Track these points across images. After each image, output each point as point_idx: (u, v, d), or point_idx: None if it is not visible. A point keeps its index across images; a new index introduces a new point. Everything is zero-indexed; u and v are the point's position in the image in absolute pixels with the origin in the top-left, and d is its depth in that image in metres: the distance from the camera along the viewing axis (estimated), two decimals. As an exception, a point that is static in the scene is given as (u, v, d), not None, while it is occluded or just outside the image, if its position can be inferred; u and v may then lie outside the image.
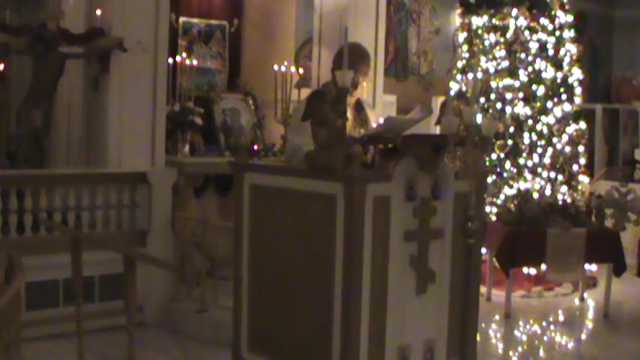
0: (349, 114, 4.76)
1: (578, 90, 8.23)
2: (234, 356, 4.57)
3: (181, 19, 8.00)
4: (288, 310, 4.22)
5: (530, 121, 7.94)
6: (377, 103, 7.88)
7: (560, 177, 7.97)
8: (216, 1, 8.34)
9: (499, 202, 7.83)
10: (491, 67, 8.09)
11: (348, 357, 3.88)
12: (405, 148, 4.01)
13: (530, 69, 7.99)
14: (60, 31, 6.64)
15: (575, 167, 8.12)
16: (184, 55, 7.57)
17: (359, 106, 4.90)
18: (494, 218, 7.65)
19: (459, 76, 8.41)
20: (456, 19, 8.97)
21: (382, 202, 3.93)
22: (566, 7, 8.26)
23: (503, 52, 8.07)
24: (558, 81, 8.05)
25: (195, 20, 8.15)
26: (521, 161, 7.91)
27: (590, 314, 7.54)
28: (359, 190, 3.82)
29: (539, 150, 7.91)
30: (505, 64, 8.05)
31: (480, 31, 8.23)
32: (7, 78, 7.25)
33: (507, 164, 7.94)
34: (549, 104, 7.99)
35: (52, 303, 6.02)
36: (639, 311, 7.71)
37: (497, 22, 8.16)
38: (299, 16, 8.88)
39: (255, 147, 7.45)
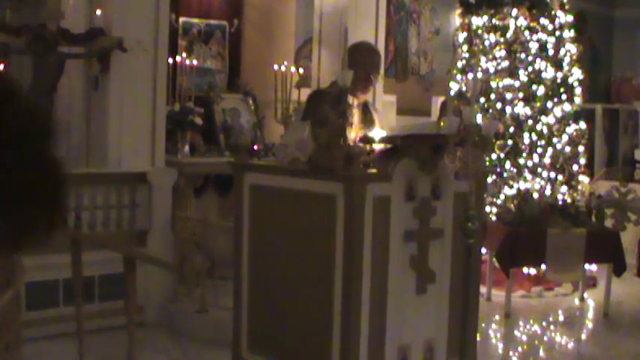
0: (357, 114, 4.77)
1: (578, 90, 8.23)
2: (234, 356, 4.57)
3: (181, 19, 8.00)
4: (288, 310, 4.22)
5: (530, 121, 7.94)
6: (377, 103, 7.87)
7: (560, 177, 7.97)
8: (216, 1, 8.34)
9: (499, 202, 7.83)
10: (491, 67, 8.09)
11: (348, 357, 3.88)
12: (405, 148, 4.01)
13: (530, 69, 7.99)
14: (60, 31, 6.64)
15: (575, 167, 8.12)
16: (184, 55, 7.57)
17: (365, 108, 4.90)
18: (494, 218, 7.65)
19: (459, 76, 8.41)
20: (456, 19, 8.97)
21: (382, 202, 3.93)
22: (566, 7, 8.26)
23: (503, 52, 8.07)
24: (558, 81, 8.05)
25: (195, 20, 8.15)
26: (521, 161, 7.91)
27: (590, 314, 7.54)
28: (359, 190, 3.82)
29: (539, 150, 7.91)
30: (505, 64, 8.05)
31: (480, 31, 8.23)
32: (7, 78, 7.25)
33: (507, 164, 7.94)
34: (549, 104, 7.99)
35: (52, 303, 6.01)
36: (639, 311, 7.71)
37: (497, 22, 8.16)
38: (299, 16, 8.88)
39: (255, 147, 7.44)
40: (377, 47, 4.96)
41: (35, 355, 5.31)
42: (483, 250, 6.48)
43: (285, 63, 7.63)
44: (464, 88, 8.23)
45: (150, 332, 6.14)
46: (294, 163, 4.16)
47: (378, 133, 4.55)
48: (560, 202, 7.68)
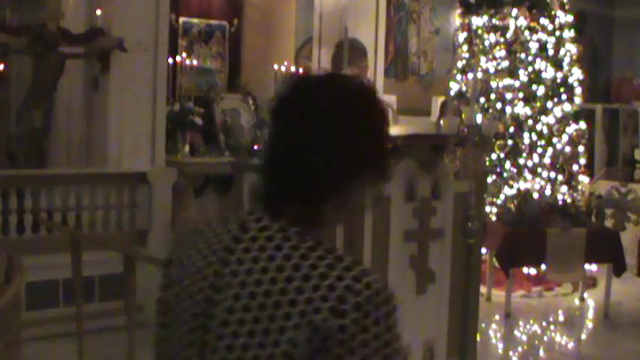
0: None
1: (578, 90, 8.23)
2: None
3: (181, 19, 8.01)
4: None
5: (530, 121, 7.94)
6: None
7: (560, 177, 7.96)
8: (216, 1, 8.35)
9: (499, 202, 7.83)
10: (491, 67, 8.09)
11: (348, 357, 3.87)
12: (405, 148, 4.01)
13: (530, 69, 7.99)
14: (60, 31, 6.64)
15: (575, 167, 8.12)
16: (184, 55, 7.57)
17: None
18: (494, 218, 7.64)
19: (459, 76, 8.41)
20: (456, 19, 8.97)
21: (382, 202, 3.92)
22: (566, 7, 8.26)
23: (503, 52, 8.07)
24: (558, 81, 8.05)
25: (195, 20, 8.15)
26: (521, 161, 7.91)
27: (590, 314, 7.54)
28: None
29: (539, 150, 7.91)
30: (505, 64, 8.05)
31: (479, 31, 8.23)
32: (7, 78, 7.25)
33: (507, 164, 7.94)
34: (549, 104, 7.99)
35: (52, 303, 6.01)
36: (639, 311, 7.71)
37: (497, 22, 8.16)
38: (299, 16, 8.88)
39: (255, 147, 7.44)
40: (360, 42, 4.90)
41: (35, 355, 5.30)
42: (483, 250, 6.49)
43: (285, 63, 7.64)
44: (464, 88, 8.23)
45: (150, 332, 6.13)
46: None
47: None
48: (560, 202, 7.68)
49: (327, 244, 1.42)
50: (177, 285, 1.48)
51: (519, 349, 6.46)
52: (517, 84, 7.98)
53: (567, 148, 8.04)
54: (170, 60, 6.95)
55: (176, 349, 1.47)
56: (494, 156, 7.88)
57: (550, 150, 7.94)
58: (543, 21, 8.06)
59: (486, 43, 8.16)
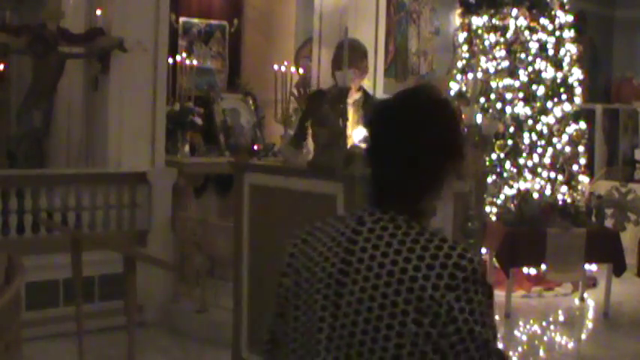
0: (351, 111, 4.75)
1: (578, 90, 8.22)
2: (234, 356, 4.57)
3: (181, 19, 8.01)
4: (288, 310, 4.21)
5: (530, 121, 7.94)
6: (377, 103, 7.86)
7: (560, 177, 7.96)
8: (216, 1, 8.35)
9: (499, 202, 7.83)
10: (491, 67, 8.09)
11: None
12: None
13: (530, 69, 7.99)
14: (60, 31, 6.64)
15: (575, 167, 8.12)
16: (184, 55, 7.57)
17: (367, 105, 4.86)
18: (494, 218, 7.64)
19: (459, 76, 8.40)
20: (456, 19, 8.97)
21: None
22: (566, 7, 8.26)
23: (503, 52, 8.07)
24: (558, 81, 8.05)
25: (195, 20, 8.15)
26: (521, 161, 7.91)
27: (590, 314, 7.53)
28: (359, 190, 3.82)
29: (539, 150, 7.91)
30: (505, 64, 8.04)
31: (480, 31, 8.23)
32: (7, 78, 7.26)
33: (507, 164, 7.94)
34: (549, 104, 7.99)
35: (52, 303, 6.01)
36: (639, 311, 7.70)
37: (497, 22, 8.16)
38: (299, 16, 8.88)
39: (255, 147, 7.45)
40: (361, 42, 4.89)
41: (35, 355, 5.30)
42: (483, 250, 6.48)
43: (285, 63, 7.63)
44: (464, 88, 8.23)
45: (150, 332, 6.14)
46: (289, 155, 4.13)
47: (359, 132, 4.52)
48: (560, 202, 7.67)
49: (431, 230, 1.74)
50: (303, 272, 1.79)
51: (519, 349, 6.45)
52: (517, 84, 7.98)
53: (567, 148, 8.04)
54: (170, 60, 6.95)
55: (307, 324, 1.74)
56: (494, 156, 7.87)
57: (550, 150, 7.94)
58: (543, 21, 8.07)
59: (486, 43, 8.16)
